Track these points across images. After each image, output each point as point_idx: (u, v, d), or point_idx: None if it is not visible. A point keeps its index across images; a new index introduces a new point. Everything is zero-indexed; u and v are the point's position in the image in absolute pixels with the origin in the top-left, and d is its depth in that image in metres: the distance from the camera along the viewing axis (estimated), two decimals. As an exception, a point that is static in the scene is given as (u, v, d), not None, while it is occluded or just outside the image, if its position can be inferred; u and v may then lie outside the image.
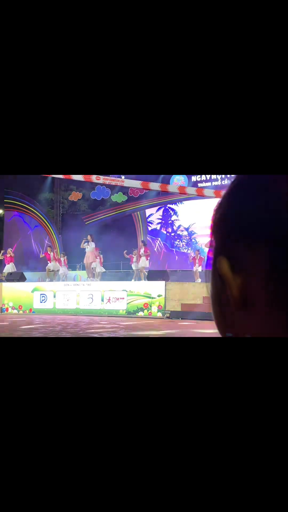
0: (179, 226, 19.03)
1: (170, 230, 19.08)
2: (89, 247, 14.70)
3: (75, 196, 18.92)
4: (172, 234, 19.08)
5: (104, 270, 15.17)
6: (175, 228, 19.05)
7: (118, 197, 18.24)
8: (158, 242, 18.81)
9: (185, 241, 19.00)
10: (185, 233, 18.95)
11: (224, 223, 0.36)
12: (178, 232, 19.01)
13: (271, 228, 0.32)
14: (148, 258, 14.82)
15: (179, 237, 18.98)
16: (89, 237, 15.00)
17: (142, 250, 14.62)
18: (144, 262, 14.35)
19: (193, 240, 18.91)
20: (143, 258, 14.44)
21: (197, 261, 14.34)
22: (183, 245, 18.94)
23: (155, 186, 14.37)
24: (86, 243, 14.75)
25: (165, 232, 19.00)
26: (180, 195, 16.70)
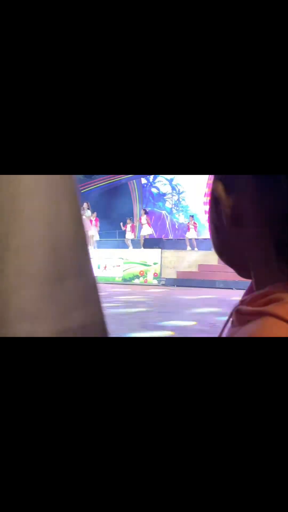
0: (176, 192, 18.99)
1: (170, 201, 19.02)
2: (85, 215, 14.63)
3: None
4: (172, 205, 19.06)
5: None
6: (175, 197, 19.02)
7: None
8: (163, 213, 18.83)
9: (173, 201, 19.11)
10: (169, 188, 19.11)
11: None
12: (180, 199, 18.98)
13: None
14: (150, 226, 14.78)
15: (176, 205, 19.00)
16: (85, 204, 14.89)
17: (144, 218, 14.56)
18: (147, 230, 14.28)
19: (181, 200, 19.07)
20: (146, 225, 14.39)
21: (191, 226, 14.36)
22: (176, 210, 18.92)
23: None
24: (82, 211, 14.52)
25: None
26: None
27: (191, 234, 14.22)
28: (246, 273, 0.42)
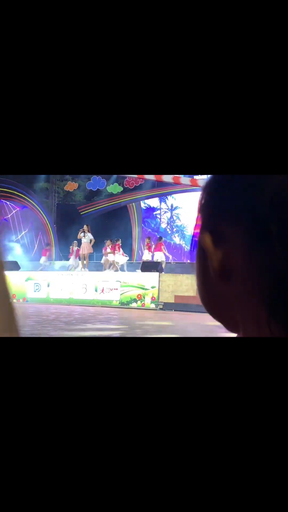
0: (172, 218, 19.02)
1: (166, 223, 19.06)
2: (85, 238, 14.65)
3: (71, 186, 18.82)
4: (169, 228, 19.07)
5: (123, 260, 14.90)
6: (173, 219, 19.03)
7: (114, 188, 18.18)
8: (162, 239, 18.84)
9: (176, 227, 19.00)
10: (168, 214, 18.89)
11: (209, 203, 0.38)
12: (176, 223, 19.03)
13: (252, 209, 0.34)
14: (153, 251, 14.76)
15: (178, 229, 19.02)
16: (85, 227, 14.91)
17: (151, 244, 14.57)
18: (160, 255, 14.23)
19: (175, 219, 18.90)
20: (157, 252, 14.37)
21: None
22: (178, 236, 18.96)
23: (168, 177, 14.30)
24: (82, 234, 14.67)
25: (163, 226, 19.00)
26: (175, 186, 16.66)
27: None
28: (235, 328, 0.39)
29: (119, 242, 14.37)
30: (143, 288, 12.70)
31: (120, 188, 18.13)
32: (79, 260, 15.06)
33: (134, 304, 12.79)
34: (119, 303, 12.97)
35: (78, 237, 14.80)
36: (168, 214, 19.54)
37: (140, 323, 8.87)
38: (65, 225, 17.47)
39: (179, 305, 12.00)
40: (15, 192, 18.42)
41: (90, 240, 14.76)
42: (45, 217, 18.68)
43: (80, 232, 14.79)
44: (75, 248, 15.14)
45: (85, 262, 14.79)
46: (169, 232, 19.40)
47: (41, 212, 18.68)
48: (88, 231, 14.95)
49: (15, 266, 14.69)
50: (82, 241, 14.71)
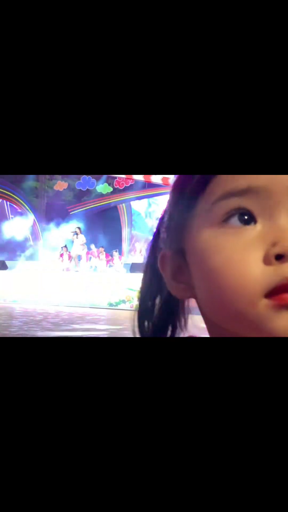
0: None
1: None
2: (78, 240, 14.60)
3: (60, 185, 18.69)
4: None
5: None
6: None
7: (104, 188, 18.10)
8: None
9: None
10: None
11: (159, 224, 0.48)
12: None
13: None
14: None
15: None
16: (77, 229, 14.88)
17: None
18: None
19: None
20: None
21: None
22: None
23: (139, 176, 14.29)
24: (74, 235, 14.65)
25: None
26: (165, 187, 16.65)
27: (137, 258, 14.10)
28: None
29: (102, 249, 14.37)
30: (131, 290, 12.64)
31: (110, 189, 18.06)
32: (70, 262, 15.01)
33: (122, 306, 12.73)
34: (108, 304, 12.90)
35: (72, 239, 14.76)
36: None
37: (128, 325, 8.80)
38: (54, 225, 17.36)
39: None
40: (6, 192, 18.26)
41: (83, 243, 14.72)
42: (34, 217, 18.53)
43: (72, 233, 14.74)
44: (66, 252, 15.09)
45: (77, 262, 14.74)
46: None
47: (30, 211, 18.53)
48: (80, 233, 14.86)
49: (2, 265, 14.54)
50: (74, 242, 14.66)
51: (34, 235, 18.35)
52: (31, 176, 18.22)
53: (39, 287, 13.84)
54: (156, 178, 15.14)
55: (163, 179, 15.05)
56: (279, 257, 0.35)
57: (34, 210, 18.67)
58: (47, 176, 18.45)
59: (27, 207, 18.58)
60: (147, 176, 14.46)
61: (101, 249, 14.90)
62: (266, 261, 0.35)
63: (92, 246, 15.10)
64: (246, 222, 0.37)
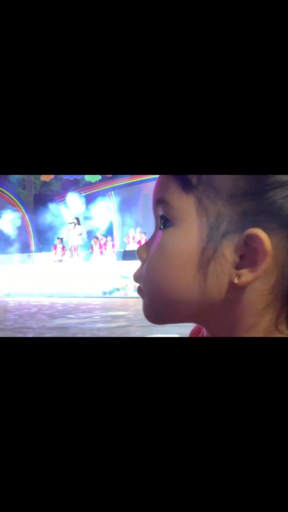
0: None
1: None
2: (75, 230, 14.59)
3: (47, 176, 18.43)
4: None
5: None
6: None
7: (92, 177, 17.90)
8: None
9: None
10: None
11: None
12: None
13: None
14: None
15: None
16: (75, 220, 14.86)
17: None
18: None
19: None
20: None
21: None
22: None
23: None
24: (73, 226, 14.64)
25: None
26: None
27: (130, 247, 14.01)
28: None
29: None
30: (125, 278, 12.59)
31: (99, 177, 17.86)
32: (66, 252, 14.95)
33: (117, 293, 12.69)
34: (102, 293, 12.86)
35: (68, 230, 14.74)
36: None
37: (124, 313, 8.78)
38: (43, 216, 17.17)
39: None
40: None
41: (81, 233, 14.66)
42: (22, 209, 18.30)
43: (69, 225, 14.74)
44: (60, 245, 15.01)
45: (75, 253, 14.70)
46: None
47: (18, 203, 18.29)
48: (78, 223, 14.83)
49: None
50: (71, 233, 14.65)
51: (24, 227, 18.15)
52: (17, 168, 17.86)
53: (32, 280, 13.74)
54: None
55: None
56: None
57: (22, 202, 18.43)
58: (34, 167, 18.10)
59: (15, 199, 18.33)
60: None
61: (109, 238, 14.76)
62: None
63: (98, 234, 14.98)
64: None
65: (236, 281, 0.38)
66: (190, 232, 0.40)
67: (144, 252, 0.45)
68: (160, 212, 0.43)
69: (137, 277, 0.46)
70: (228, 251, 0.39)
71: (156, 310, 0.43)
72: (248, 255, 0.38)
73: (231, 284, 0.39)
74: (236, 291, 0.39)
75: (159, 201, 0.43)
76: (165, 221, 0.42)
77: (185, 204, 0.41)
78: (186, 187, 0.40)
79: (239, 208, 0.38)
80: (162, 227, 0.43)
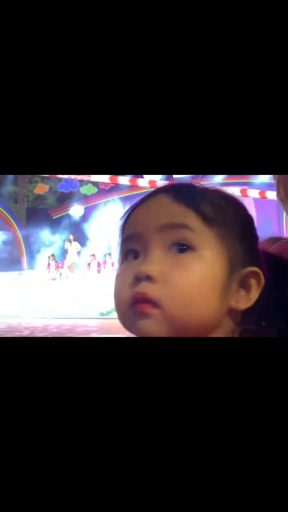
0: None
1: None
2: (72, 247, 13.91)
3: (41, 188, 17.55)
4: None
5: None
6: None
7: (88, 189, 17.05)
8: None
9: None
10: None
11: None
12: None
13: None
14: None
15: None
16: (71, 236, 14.18)
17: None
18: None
19: None
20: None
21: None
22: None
23: (124, 180, 13.29)
24: (68, 243, 14.04)
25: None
26: (151, 189, 15.67)
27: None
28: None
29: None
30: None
31: (95, 189, 17.01)
32: (60, 271, 14.10)
33: (114, 314, 11.77)
34: (99, 314, 11.92)
35: (65, 248, 14.05)
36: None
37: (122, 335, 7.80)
38: (37, 231, 16.24)
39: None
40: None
41: (77, 249, 13.88)
42: (14, 224, 17.36)
43: (66, 242, 14.18)
44: (53, 261, 14.18)
45: (70, 271, 13.94)
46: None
47: (10, 218, 17.35)
48: (74, 240, 14.37)
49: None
50: (68, 251, 13.95)
51: (15, 243, 17.17)
52: (9, 180, 17.06)
53: (24, 299, 12.77)
54: (143, 182, 14.20)
55: (149, 182, 14.13)
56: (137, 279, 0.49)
57: (14, 216, 17.48)
58: (26, 180, 17.31)
59: (7, 214, 17.39)
60: (133, 179, 13.49)
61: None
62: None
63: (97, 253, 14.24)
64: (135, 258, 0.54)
65: (234, 307, 0.47)
66: (213, 259, 0.47)
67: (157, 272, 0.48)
68: (175, 237, 0.48)
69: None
70: (235, 281, 0.48)
71: (180, 323, 0.45)
72: (244, 287, 0.48)
73: (230, 309, 0.47)
74: (229, 313, 0.47)
75: (181, 226, 0.47)
76: (178, 246, 0.48)
77: (208, 233, 0.47)
78: (207, 219, 0.47)
79: (245, 245, 0.49)
80: (175, 250, 0.48)
